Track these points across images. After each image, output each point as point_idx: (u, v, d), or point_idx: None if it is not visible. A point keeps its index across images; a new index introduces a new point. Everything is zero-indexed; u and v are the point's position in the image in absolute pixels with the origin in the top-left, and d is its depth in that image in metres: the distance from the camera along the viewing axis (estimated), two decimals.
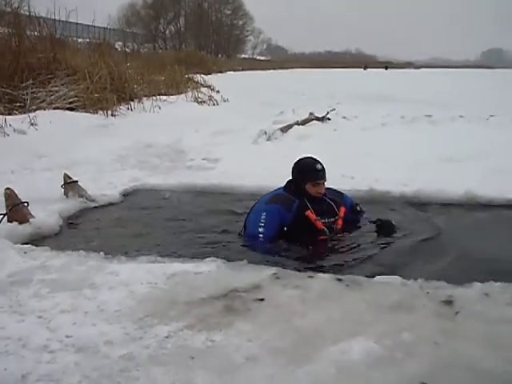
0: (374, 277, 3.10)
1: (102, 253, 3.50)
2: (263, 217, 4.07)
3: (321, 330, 2.43)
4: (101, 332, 2.42)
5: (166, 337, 2.39)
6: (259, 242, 4.01)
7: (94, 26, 14.86)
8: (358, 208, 4.49)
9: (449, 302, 2.72)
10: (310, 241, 3.98)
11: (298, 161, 4.34)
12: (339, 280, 3.01)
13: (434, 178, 5.78)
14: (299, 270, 3.25)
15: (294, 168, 4.33)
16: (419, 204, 5.19)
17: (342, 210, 4.27)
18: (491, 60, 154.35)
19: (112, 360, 2.21)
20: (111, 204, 5.31)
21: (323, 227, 4.10)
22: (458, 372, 2.12)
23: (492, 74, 43.85)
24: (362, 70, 55.48)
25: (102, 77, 11.64)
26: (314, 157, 4.32)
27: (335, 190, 4.50)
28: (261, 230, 4.04)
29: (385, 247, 4.00)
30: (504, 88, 22.82)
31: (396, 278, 3.04)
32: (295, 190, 4.25)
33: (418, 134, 8.84)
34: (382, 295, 2.82)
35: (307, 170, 4.21)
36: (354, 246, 4.00)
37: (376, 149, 7.36)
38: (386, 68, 61.62)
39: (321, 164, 4.22)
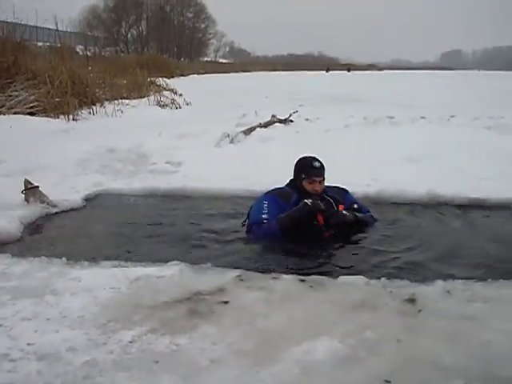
0: (337, 277, 3.13)
1: (64, 258, 3.45)
2: (265, 205, 4.21)
3: (285, 331, 2.44)
4: (63, 339, 2.39)
5: (130, 341, 2.37)
6: (264, 226, 4.10)
7: (56, 30, 14.71)
8: (356, 206, 4.39)
9: (411, 300, 2.76)
10: (307, 234, 4.07)
11: (299, 159, 4.41)
12: (302, 281, 3.03)
13: (396, 178, 5.84)
14: (263, 272, 3.26)
15: (294, 165, 4.40)
16: (382, 204, 5.25)
17: (341, 207, 4.27)
18: (451, 61, 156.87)
19: (75, 367, 2.18)
20: (73, 209, 5.22)
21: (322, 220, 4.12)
22: (422, 369, 2.15)
23: (452, 75, 44.52)
24: (324, 72, 55.70)
25: (63, 81, 11.54)
26: (315, 156, 4.36)
27: (340, 188, 4.53)
28: (265, 216, 4.15)
29: (349, 247, 4.04)
30: (464, 89, 23.21)
31: (359, 278, 3.07)
32: (294, 186, 4.33)
33: (380, 135, 8.90)
34: (345, 295, 2.84)
35: (304, 167, 4.29)
36: (316, 246, 4.02)
37: (339, 150, 7.39)
38: (349, 70, 61.95)
39: (319, 162, 4.27)
